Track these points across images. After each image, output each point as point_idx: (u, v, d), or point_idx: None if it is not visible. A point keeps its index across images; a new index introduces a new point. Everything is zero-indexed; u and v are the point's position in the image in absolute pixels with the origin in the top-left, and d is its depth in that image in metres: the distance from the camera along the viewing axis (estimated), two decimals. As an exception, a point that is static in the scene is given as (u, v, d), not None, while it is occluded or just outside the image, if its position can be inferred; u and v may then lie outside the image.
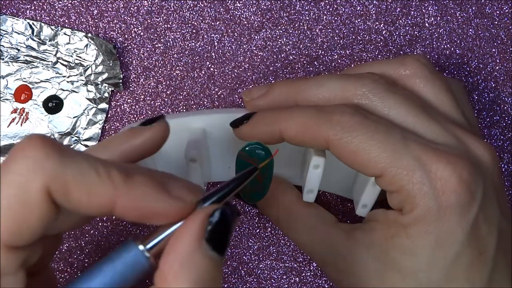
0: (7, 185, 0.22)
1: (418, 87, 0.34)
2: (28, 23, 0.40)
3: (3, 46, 0.40)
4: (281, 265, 0.44)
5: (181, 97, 0.42)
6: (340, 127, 0.30)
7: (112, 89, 0.41)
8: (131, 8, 0.41)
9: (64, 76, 0.41)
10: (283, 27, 0.42)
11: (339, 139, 0.30)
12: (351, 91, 0.33)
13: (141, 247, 0.24)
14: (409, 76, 0.35)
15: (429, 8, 0.42)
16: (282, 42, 0.42)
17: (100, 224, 0.43)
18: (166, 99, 0.42)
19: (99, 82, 0.41)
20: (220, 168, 0.40)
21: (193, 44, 0.42)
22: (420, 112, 0.32)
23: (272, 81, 0.42)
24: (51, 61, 0.40)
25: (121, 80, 0.40)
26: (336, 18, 0.42)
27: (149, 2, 0.41)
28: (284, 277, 0.44)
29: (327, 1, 0.42)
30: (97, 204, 0.23)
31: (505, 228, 0.31)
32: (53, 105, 0.41)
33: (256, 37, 0.42)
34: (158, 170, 0.37)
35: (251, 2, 0.41)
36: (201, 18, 0.41)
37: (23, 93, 0.41)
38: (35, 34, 0.40)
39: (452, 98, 0.34)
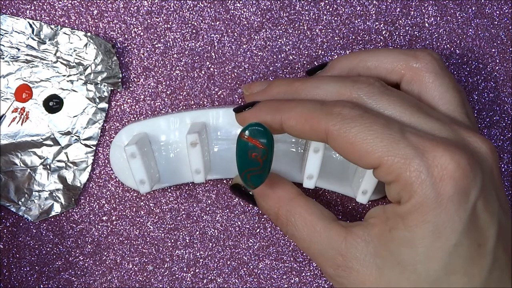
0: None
1: (426, 81, 0.35)
2: (28, 22, 0.40)
3: (3, 45, 0.40)
4: (281, 265, 0.44)
5: (181, 97, 0.42)
6: (340, 119, 0.31)
7: (112, 88, 0.41)
8: (131, 8, 0.41)
9: (64, 76, 0.41)
10: (283, 27, 0.42)
11: (337, 129, 0.31)
12: (347, 94, 0.33)
13: None
14: (419, 70, 0.35)
15: (429, 8, 0.42)
16: (282, 42, 0.42)
17: (100, 224, 0.43)
18: (166, 99, 0.42)
19: (98, 82, 0.41)
20: (220, 164, 0.41)
21: (193, 44, 0.42)
22: (416, 111, 0.32)
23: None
24: (51, 61, 0.40)
25: (120, 79, 0.41)
26: (336, 18, 0.42)
27: (149, 2, 0.41)
28: (284, 277, 0.44)
29: (327, 1, 0.42)
30: None
31: (505, 224, 0.31)
32: (54, 104, 0.41)
33: (256, 37, 0.42)
34: (158, 164, 0.40)
35: (251, 2, 0.41)
36: (201, 18, 0.41)
37: (24, 92, 0.41)
38: (35, 33, 0.40)
39: (459, 98, 0.34)
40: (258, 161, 0.33)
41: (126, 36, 0.41)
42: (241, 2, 0.41)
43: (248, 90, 0.39)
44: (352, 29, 0.42)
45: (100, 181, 0.43)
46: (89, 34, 0.40)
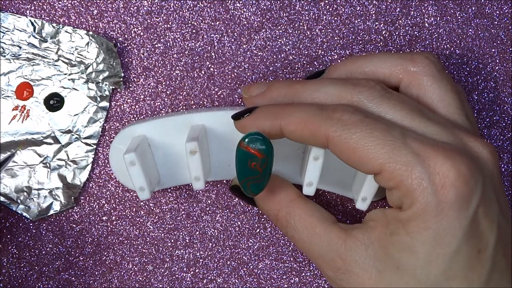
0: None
1: (424, 85, 0.35)
2: (30, 20, 0.40)
3: (4, 43, 0.40)
4: (281, 265, 0.43)
5: (181, 97, 0.42)
6: (340, 124, 0.31)
7: (113, 87, 0.41)
8: (131, 8, 0.41)
9: (65, 74, 0.41)
10: (283, 27, 0.42)
11: (338, 135, 0.31)
12: (347, 98, 0.33)
13: None
14: (416, 73, 0.35)
15: (429, 8, 0.42)
16: (282, 42, 0.42)
17: (100, 224, 0.43)
18: (166, 99, 0.42)
19: (100, 80, 0.41)
20: (220, 166, 0.40)
21: (193, 44, 0.42)
22: (417, 115, 0.32)
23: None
24: (53, 59, 0.40)
25: (121, 79, 0.41)
26: (336, 18, 0.42)
27: (149, 2, 0.41)
28: (284, 277, 0.43)
29: (327, 1, 0.42)
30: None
31: (505, 228, 0.31)
32: (55, 102, 0.41)
33: (256, 37, 0.42)
34: (157, 166, 0.38)
35: (251, 2, 0.42)
36: (201, 18, 0.42)
37: (25, 90, 0.41)
38: (36, 31, 0.40)
39: (458, 100, 0.34)
40: (257, 170, 0.33)
41: (126, 36, 0.42)
42: (241, 2, 0.42)
43: (247, 93, 0.38)
44: (352, 29, 0.42)
45: (100, 181, 0.43)
46: (90, 32, 0.40)
